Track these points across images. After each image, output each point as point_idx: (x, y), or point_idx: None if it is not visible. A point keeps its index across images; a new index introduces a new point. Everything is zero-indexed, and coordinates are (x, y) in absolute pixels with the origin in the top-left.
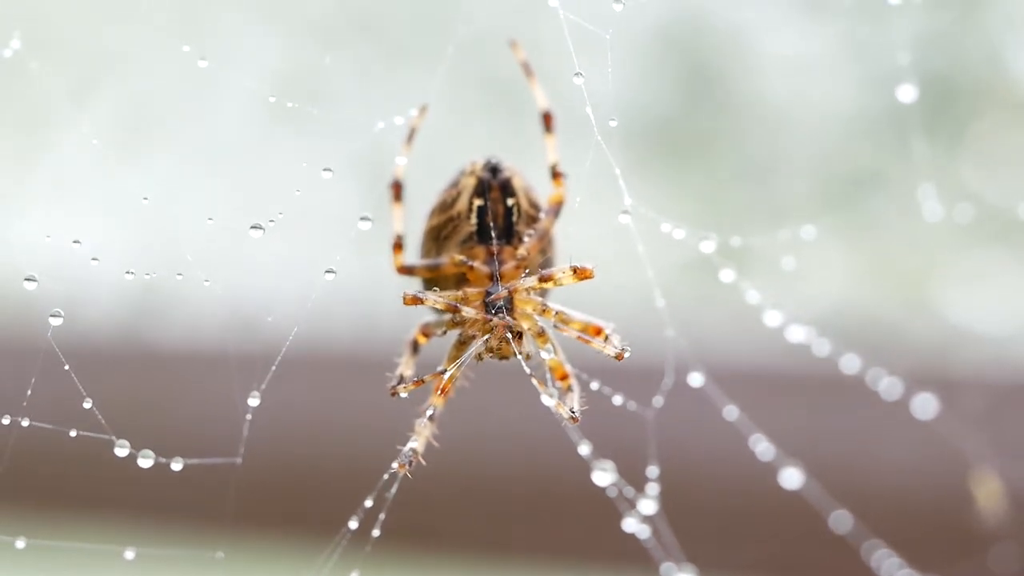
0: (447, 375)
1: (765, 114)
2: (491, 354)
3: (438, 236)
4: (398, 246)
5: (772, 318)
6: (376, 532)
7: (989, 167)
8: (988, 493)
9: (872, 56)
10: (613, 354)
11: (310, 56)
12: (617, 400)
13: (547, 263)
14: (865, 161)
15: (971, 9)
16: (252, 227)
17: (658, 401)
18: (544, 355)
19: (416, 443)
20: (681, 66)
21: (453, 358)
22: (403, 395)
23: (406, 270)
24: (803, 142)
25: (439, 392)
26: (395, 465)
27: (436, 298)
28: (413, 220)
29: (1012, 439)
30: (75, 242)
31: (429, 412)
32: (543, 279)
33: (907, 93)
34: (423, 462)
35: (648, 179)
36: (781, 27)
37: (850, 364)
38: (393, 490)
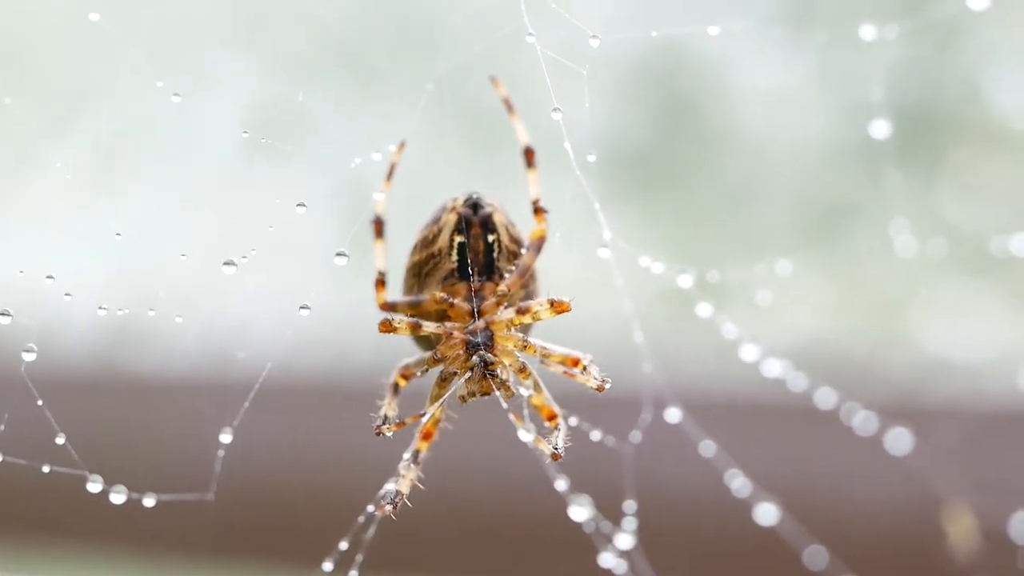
0: (426, 416)
1: (741, 146)
2: (474, 397)
3: (420, 272)
4: (380, 282)
5: (749, 352)
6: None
7: (965, 198)
8: (961, 527)
9: (847, 89)
10: (595, 386)
11: (287, 91)
12: (596, 436)
13: (531, 298)
14: (841, 193)
15: (946, 41)
16: (225, 263)
17: (636, 436)
18: (524, 391)
19: (399, 485)
20: (658, 99)
21: (435, 396)
22: (388, 435)
23: (389, 307)
24: (779, 174)
25: (423, 436)
26: (372, 507)
27: (402, 318)
28: (396, 255)
29: (986, 472)
30: (49, 277)
31: (411, 456)
32: (520, 311)
33: (880, 129)
34: (408, 503)
35: (624, 212)
36: (757, 60)
37: (826, 398)
38: (371, 533)
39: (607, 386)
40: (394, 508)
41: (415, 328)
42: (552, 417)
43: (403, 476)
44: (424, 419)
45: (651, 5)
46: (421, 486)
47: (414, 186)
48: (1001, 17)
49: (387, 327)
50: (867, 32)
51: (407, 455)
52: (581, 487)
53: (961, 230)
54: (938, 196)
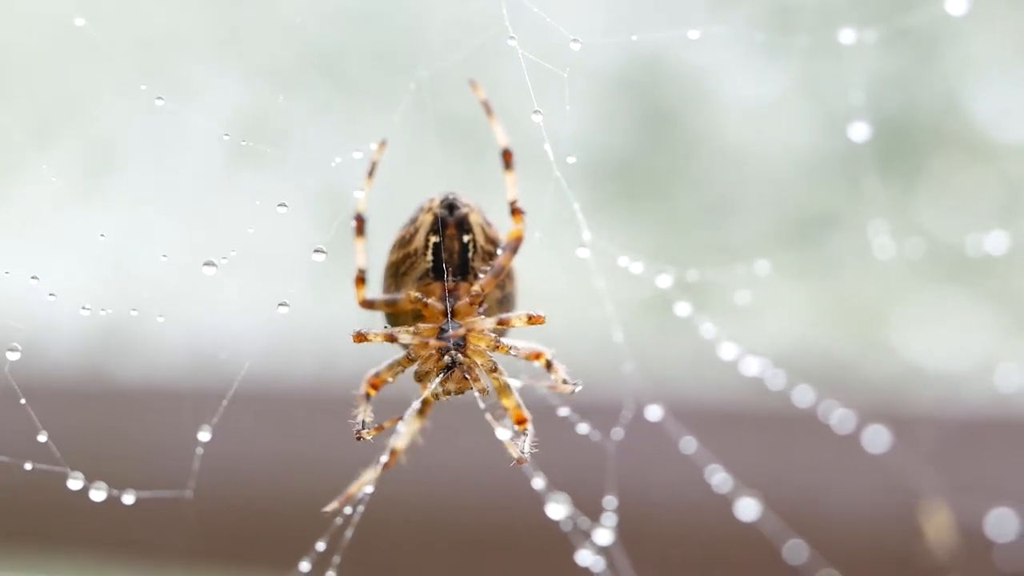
0: (404, 417)
1: (722, 154)
2: (448, 395)
3: (397, 272)
4: (360, 280)
5: (727, 351)
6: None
7: (943, 206)
8: (938, 526)
9: (828, 96)
10: (569, 390)
11: (268, 95)
12: (583, 429)
13: (508, 298)
14: (821, 200)
15: (927, 50)
16: (205, 264)
17: (617, 433)
18: (492, 382)
19: (399, 442)
20: (639, 106)
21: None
22: (369, 439)
23: (368, 304)
24: (760, 182)
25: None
26: (350, 509)
27: (378, 332)
28: (378, 255)
29: (962, 474)
30: (33, 278)
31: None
32: (501, 323)
33: (860, 132)
34: (403, 460)
35: (604, 222)
36: (737, 68)
37: (804, 398)
38: (348, 534)
39: (577, 388)
40: (389, 462)
41: (389, 339)
42: (522, 421)
43: (408, 425)
44: (404, 418)
45: (632, 16)
46: (420, 439)
47: (395, 187)
48: (980, 29)
49: (360, 338)
50: (847, 36)
51: (409, 411)
52: (561, 484)
53: (940, 237)
54: (917, 205)
